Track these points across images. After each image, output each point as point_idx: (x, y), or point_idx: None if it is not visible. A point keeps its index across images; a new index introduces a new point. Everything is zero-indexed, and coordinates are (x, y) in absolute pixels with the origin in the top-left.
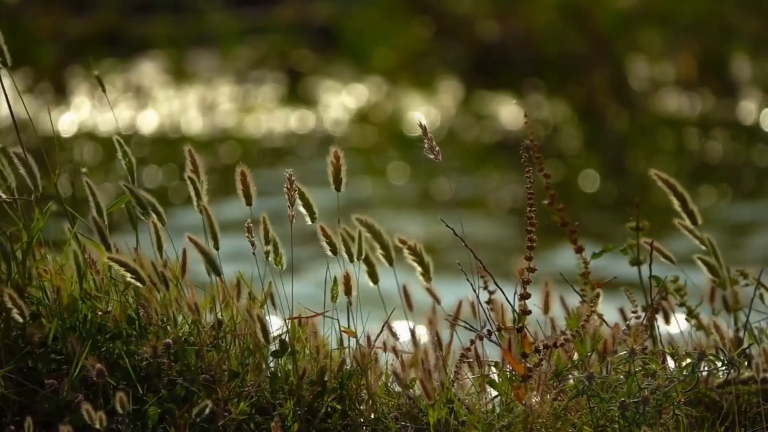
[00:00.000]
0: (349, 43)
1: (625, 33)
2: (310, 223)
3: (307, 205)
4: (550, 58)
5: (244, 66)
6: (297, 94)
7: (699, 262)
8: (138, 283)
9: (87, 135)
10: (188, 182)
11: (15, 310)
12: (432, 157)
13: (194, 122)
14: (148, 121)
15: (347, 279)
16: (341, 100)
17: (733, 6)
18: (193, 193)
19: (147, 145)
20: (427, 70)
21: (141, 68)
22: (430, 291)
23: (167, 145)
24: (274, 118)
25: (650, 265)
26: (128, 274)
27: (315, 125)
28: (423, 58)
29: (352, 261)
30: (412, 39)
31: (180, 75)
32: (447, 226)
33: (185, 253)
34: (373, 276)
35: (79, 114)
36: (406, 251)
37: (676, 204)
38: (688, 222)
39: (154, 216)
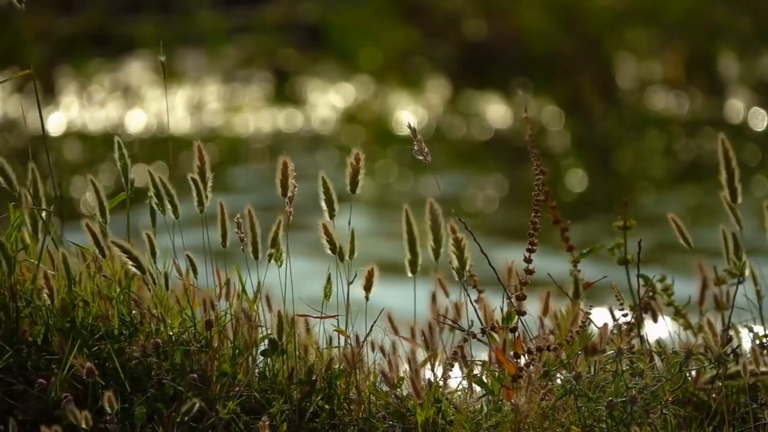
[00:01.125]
0: (336, 43)
1: (612, 32)
2: (329, 219)
3: (329, 201)
4: (537, 57)
5: (231, 65)
6: (284, 94)
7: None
8: (138, 272)
9: (75, 134)
10: (191, 183)
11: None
12: (421, 158)
13: (182, 121)
14: (136, 121)
15: (370, 274)
16: (329, 100)
17: (720, 5)
18: (194, 194)
19: (135, 145)
20: (414, 69)
21: (128, 68)
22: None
23: (155, 145)
24: (261, 118)
25: (638, 264)
26: (129, 261)
27: (302, 124)
28: (410, 58)
29: (342, 260)
30: (399, 38)
31: (168, 74)
32: (460, 220)
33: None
34: (414, 266)
35: (68, 113)
36: (451, 242)
37: (723, 177)
38: (728, 196)
39: (169, 207)
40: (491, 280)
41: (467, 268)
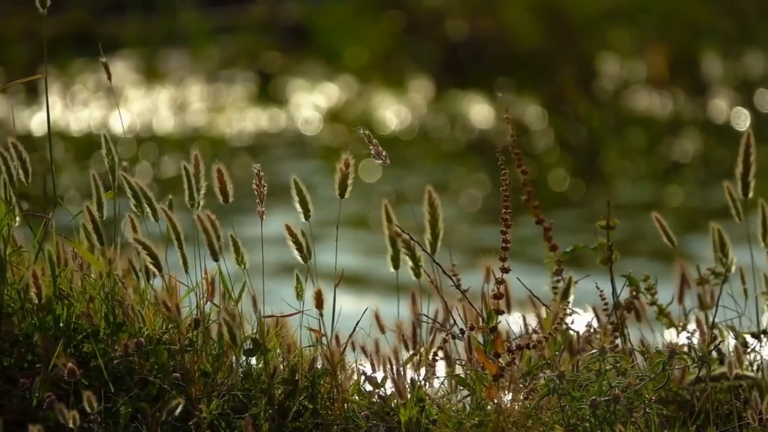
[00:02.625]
0: (319, 42)
1: (595, 32)
2: (303, 220)
3: (303, 202)
4: (520, 56)
5: (215, 65)
6: (268, 94)
7: (712, 231)
8: (156, 270)
9: (58, 135)
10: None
11: None
12: (380, 162)
13: (165, 121)
14: (120, 121)
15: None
16: (312, 99)
17: (703, 5)
18: (187, 197)
19: (118, 145)
20: (398, 68)
21: (112, 68)
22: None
23: (138, 145)
24: (245, 118)
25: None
26: (149, 258)
27: (286, 124)
28: (394, 57)
29: (305, 262)
30: (382, 38)
31: (151, 74)
32: (404, 231)
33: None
34: (396, 261)
35: (51, 113)
36: (400, 245)
37: (738, 170)
38: (739, 190)
39: (148, 209)
40: (475, 280)
41: (421, 265)
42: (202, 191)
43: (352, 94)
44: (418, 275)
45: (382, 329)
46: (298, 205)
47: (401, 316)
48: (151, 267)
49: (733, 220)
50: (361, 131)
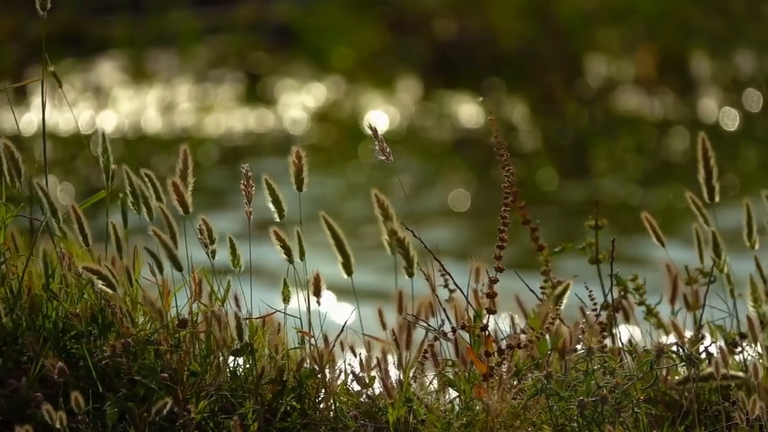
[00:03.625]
0: (308, 42)
1: (584, 31)
2: (278, 220)
3: (276, 202)
4: (509, 56)
5: (203, 65)
6: (256, 94)
7: (695, 234)
8: (109, 290)
9: (47, 135)
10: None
11: None
12: (383, 158)
13: (153, 122)
14: (108, 121)
15: (317, 280)
16: (300, 99)
17: (692, 4)
18: (175, 199)
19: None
20: (386, 68)
21: (100, 68)
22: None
23: (126, 145)
24: (233, 118)
25: (611, 263)
26: (100, 282)
27: (274, 124)
28: (382, 57)
29: (291, 263)
30: (371, 38)
31: (139, 75)
32: (407, 228)
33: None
34: (348, 268)
35: (39, 114)
36: (395, 243)
37: (701, 175)
38: (705, 195)
39: (144, 209)
40: (462, 280)
41: (415, 265)
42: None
43: (341, 94)
44: (411, 275)
45: (383, 326)
46: (271, 205)
47: (389, 318)
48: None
49: (719, 219)
50: (369, 126)
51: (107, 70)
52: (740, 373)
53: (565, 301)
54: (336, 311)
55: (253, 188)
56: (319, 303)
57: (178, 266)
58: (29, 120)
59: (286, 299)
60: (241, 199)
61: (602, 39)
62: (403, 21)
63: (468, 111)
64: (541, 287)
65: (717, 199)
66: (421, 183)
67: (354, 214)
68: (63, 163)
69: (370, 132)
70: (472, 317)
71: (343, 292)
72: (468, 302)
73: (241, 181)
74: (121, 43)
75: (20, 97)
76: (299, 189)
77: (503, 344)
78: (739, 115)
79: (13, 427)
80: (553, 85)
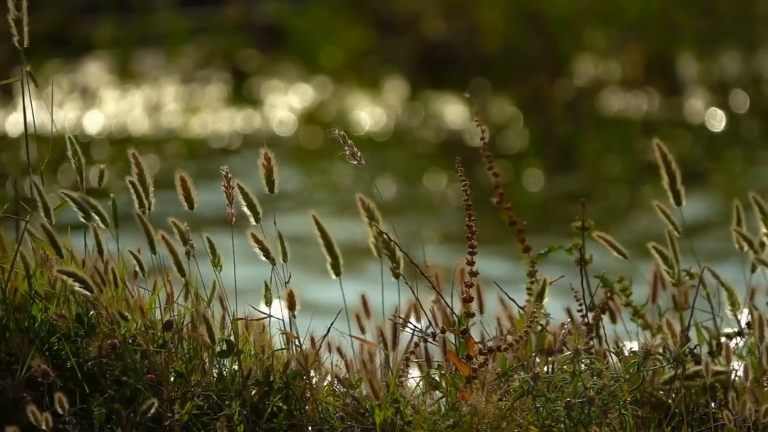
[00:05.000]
0: (295, 43)
1: (570, 32)
2: (254, 223)
3: (251, 206)
4: (496, 57)
5: (189, 66)
6: (243, 94)
7: (653, 251)
8: (86, 292)
9: (32, 136)
10: (131, 187)
11: None
12: (355, 163)
13: (140, 122)
14: (94, 122)
15: (291, 295)
16: (287, 100)
17: (679, 5)
18: (136, 201)
19: (93, 146)
20: (373, 69)
21: (87, 69)
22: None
23: (112, 145)
24: (219, 118)
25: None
26: (77, 284)
27: (261, 125)
28: (369, 58)
29: (274, 265)
30: (358, 38)
31: (126, 75)
32: (382, 233)
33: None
34: (336, 268)
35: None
36: (381, 245)
37: (664, 181)
38: (671, 200)
39: (97, 219)
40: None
41: (401, 266)
42: (151, 195)
43: (327, 94)
44: (397, 276)
45: (367, 313)
46: (246, 209)
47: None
48: (82, 290)
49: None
50: (336, 132)
51: (94, 71)
52: (726, 368)
53: (546, 298)
54: (322, 312)
55: (234, 189)
56: (294, 316)
57: (182, 272)
58: (16, 120)
59: (268, 303)
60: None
61: (589, 40)
62: (390, 21)
63: (455, 111)
64: (527, 288)
65: (684, 203)
66: (407, 183)
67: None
68: (50, 163)
69: (339, 138)
70: (455, 320)
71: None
72: (450, 307)
73: (222, 183)
74: (108, 44)
75: (6, 98)
76: (271, 191)
77: (488, 345)
78: (725, 116)
79: (3, 427)
80: (539, 86)
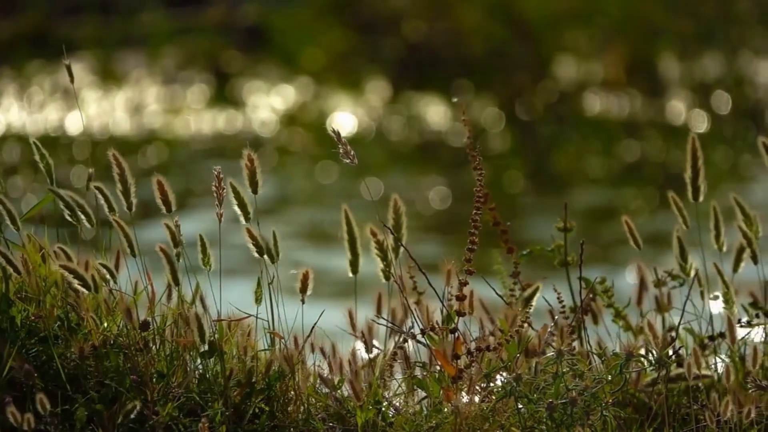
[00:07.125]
0: (277, 44)
1: (552, 33)
2: (244, 222)
3: (241, 205)
4: (477, 58)
5: (172, 67)
6: (225, 95)
7: (675, 240)
8: (84, 290)
9: (14, 137)
10: (97, 192)
11: None
12: (348, 161)
13: (122, 123)
14: (76, 122)
15: (306, 276)
16: (269, 101)
17: (660, 6)
18: (106, 208)
19: (75, 146)
20: (355, 70)
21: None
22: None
23: (94, 146)
24: (201, 119)
25: (580, 266)
26: (75, 281)
27: (243, 126)
28: (351, 59)
29: (273, 263)
30: (340, 40)
31: (107, 76)
32: (385, 226)
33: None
34: (354, 266)
35: (7, 116)
36: (373, 244)
37: (687, 174)
38: (689, 194)
39: (83, 217)
40: (435, 281)
41: (392, 269)
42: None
43: (309, 95)
44: (387, 277)
45: (353, 327)
46: (236, 208)
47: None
48: (80, 288)
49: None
50: (330, 129)
51: (76, 72)
52: (709, 372)
53: (534, 303)
54: (307, 312)
55: (224, 190)
56: (303, 301)
57: (176, 281)
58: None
59: (258, 299)
60: (210, 200)
61: (570, 41)
62: (373, 23)
63: (436, 112)
64: (510, 290)
65: (701, 199)
66: (388, 184)
67: (321, 216)
68: (33, 163)
69: (333, 135)
70: (441, 319)
71: (315, 291)
72: (443, 304)
73: (213, 183)
74: (90, 45)
75: None
76: (254, 192)
77: (472, 346)
78: (707, 117)
79: None
80: (521, 87)
